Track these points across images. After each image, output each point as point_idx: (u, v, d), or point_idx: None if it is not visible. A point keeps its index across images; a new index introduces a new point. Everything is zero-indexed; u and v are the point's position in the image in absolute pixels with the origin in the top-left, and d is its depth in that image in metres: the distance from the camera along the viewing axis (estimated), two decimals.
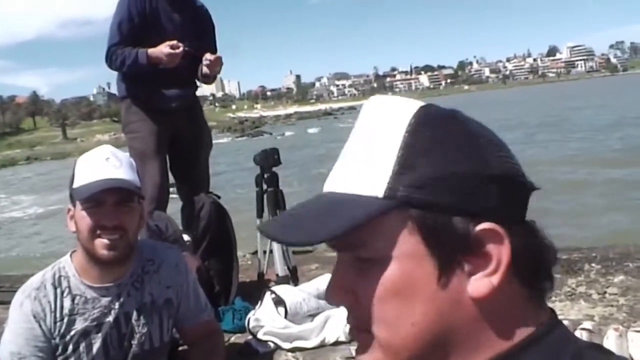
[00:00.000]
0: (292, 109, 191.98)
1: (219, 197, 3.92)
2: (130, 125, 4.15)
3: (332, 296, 0.77)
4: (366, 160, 0.72)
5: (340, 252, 0.75)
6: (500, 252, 0.68)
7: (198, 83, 4.35)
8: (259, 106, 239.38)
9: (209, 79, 4.24)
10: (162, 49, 3.84)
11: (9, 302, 4.52)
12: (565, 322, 2.73)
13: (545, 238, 0.74)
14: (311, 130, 61.13)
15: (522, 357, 0.70)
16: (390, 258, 0.70)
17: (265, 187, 3.79)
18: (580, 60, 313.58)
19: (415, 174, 0.69)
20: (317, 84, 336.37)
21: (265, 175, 3.77)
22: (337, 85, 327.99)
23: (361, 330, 0.74)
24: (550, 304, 2.48)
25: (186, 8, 4.15)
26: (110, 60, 4.01)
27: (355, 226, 0.69)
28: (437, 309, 0.70)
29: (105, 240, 2.13)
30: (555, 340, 0.71)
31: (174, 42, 3.84)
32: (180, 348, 2.76)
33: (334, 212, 0.71)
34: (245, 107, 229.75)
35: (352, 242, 0.71)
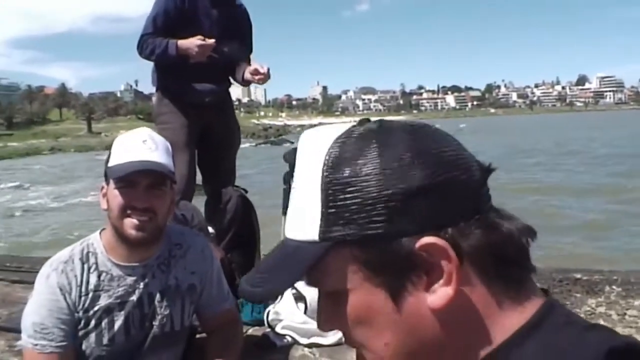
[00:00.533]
0: (317, 119, 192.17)
1: (246, 192, 3.94)
2: (161, 117, 4.19)
3: (321, 326, 0.82)
4: (300, 206, 0.75)
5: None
6: (447, 263, 0.69)
7: (231, 80, 4.38)
8: (283, 114, 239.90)
9: (248, 84, 4.30)
10: (193, 41, 3.87)
11: (28, 282, 4.60)
12: None
13: (506, 224, 0.73)
14: None
15: (521, 346, 0.71)
16: (347, 291, 0.73)
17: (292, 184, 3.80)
18: (610, 91, 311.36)
19: (340, 211, 0.71)
20: (344, 97, 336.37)
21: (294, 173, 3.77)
22: (363, 100, 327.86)
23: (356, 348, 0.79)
24: None
25: (225, 6, 4.18)
26: (140, 48, 4.06)
27: (302, 275, 0.74)
28: (403, 328, 0.73)
29: (134, 221, 2.16)
30: (552, 327, 0.71)
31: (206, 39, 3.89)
32: (198, 336, 2.77)
33: (286, 262, 0.75)
34: (270, 114, 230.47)
35: (311, 282, 0.76)
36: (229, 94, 4.52)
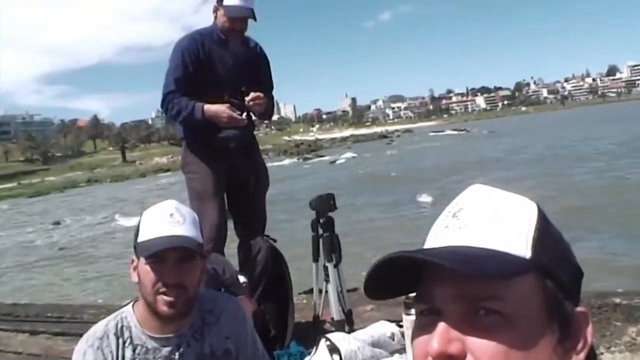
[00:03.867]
0: (348, 131, 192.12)
1: (275, 241, 3.96)
2: (188, 166, 4.26)
3: (440, 345, 0.74)
4: (507, 228, 0.79)
5: (459, 302, 0.76)
6: (588, 333, 0.78)
7: (255, 122, 4.43)
8: (314, 129, 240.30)
9: (263, 116, 4.43)
10: (222, 110, 3.97)
11: (70, 334, 4.66)
12: None
13: None
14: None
15: None
16: (518, 317, 0.74)
17: (321, 231, 3.82)
18: None
19: (553, 251, 0.79)
20: (373, 107, 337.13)
21: (321, 220, 3.80)
22: (393, 108, 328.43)
23: None
24: (609, 355, 2.46)
25: (240, 51, 4.23)
26: (166, 109, 4.14)
27: (516, 273, 0.74)
28: None
29: (166, 298, 2.17)
30: None
31: (238, 115, 4.01)
32: None
33: (492, 257, 0.75)
34: (301, 130, 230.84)
35: (489, 292, 0.75)
36: (254, 137, 4.57)
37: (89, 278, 14.88)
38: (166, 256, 2.17)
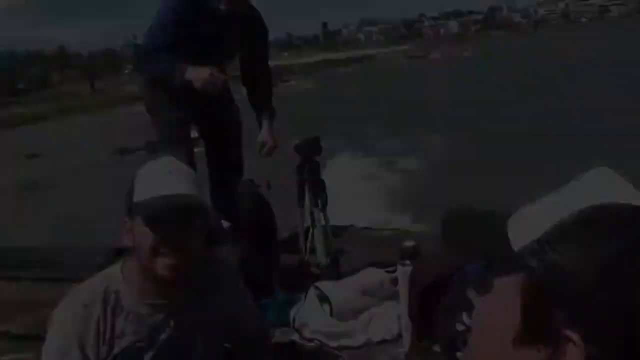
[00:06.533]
0: (320, 56, 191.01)
1: (259, 186, 3.92)
2: (154, 110, 4.07)
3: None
4: (534, 215, 0.78)
5: None
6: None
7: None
8: (286, 54, 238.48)
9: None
10: (203, 76, 3.65)
11: (55, 280, 4.58)
12: None
13: None
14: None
15: None
16: (497, 297, 0.78)
17: (306, 176, 3.78)
18: (615, 5, 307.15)
19: (550, 255, 0.72)
20: (345, 31, 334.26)
21: (306, 165, 3.76)
22: (365, 32, 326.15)
23: None
24: None
25: (234, 18, 3.86)
26: (137, 59, 4.05)
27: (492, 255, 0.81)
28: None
29: (166, 260, 2.01)
30: None
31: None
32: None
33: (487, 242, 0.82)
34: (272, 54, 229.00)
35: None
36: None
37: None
38: (166, 216, 2.02)
